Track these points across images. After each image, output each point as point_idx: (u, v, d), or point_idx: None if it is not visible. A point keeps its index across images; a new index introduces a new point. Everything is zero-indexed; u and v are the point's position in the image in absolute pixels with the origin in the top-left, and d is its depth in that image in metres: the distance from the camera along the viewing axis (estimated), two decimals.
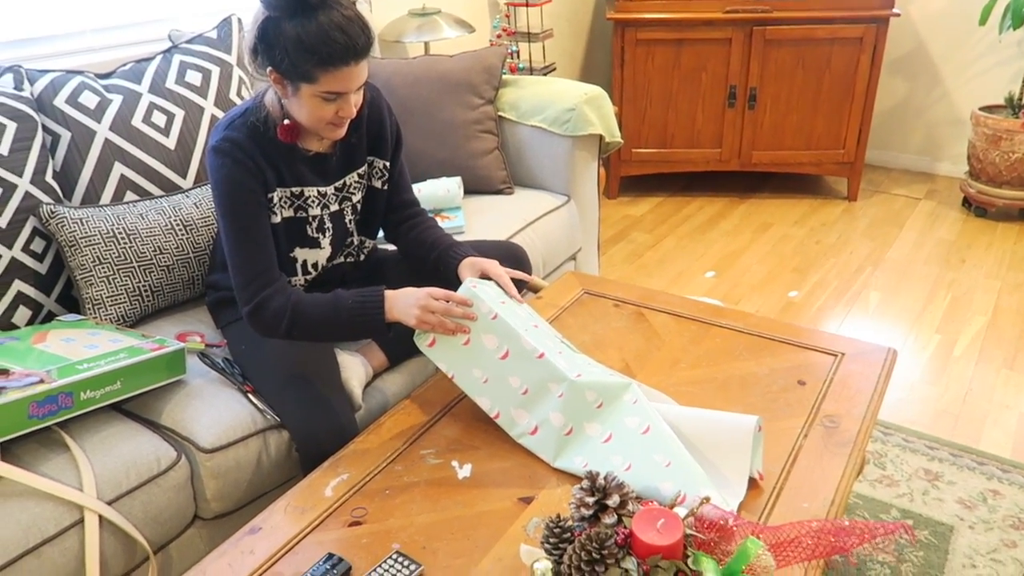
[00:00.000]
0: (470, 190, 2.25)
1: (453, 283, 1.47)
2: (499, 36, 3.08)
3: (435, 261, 1.56)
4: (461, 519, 1.15)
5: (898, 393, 2.20)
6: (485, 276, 1.47)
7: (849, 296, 2.71)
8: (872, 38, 3.11)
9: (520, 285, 1.71)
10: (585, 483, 1.04)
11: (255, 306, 1.36)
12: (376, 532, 1.12)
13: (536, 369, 1.28)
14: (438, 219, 2.04)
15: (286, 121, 1.39)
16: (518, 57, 3.12)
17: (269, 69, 1.31)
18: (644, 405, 1.24)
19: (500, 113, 2.29)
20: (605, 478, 1.03)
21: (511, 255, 1.69)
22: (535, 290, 1.83)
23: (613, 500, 1.02)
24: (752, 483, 1.18)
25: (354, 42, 1.26)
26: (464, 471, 1.24)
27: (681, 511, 1.01)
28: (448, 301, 1.33)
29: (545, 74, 3.17)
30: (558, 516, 1.02)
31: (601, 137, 2.28)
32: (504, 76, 2.33)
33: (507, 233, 2.04)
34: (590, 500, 1.02)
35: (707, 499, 1.05)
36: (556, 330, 1.50)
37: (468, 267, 1.50)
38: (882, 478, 1.88)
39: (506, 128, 2.30)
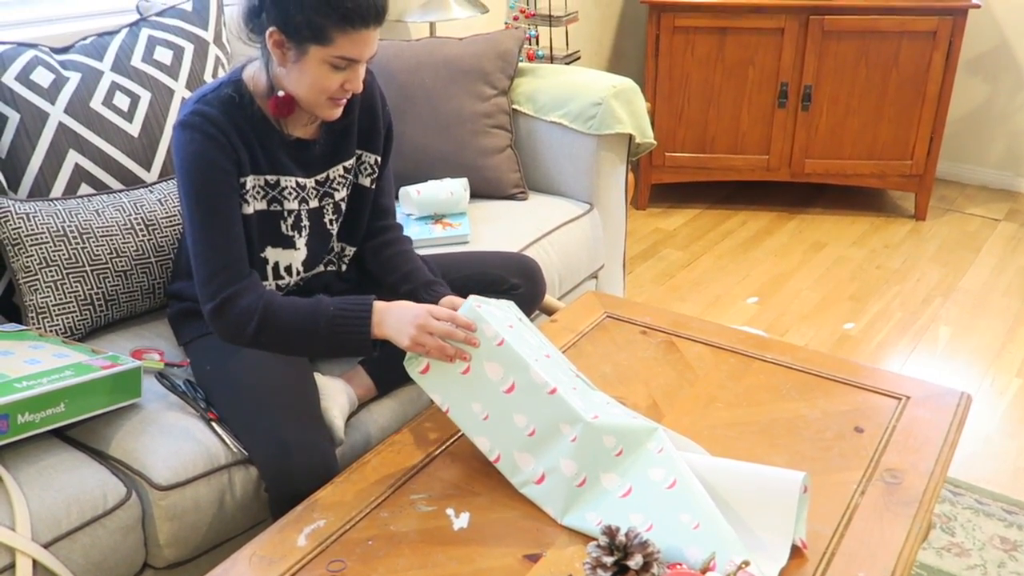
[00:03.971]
0: (477, 193, 2.25)
1: None
2: (516, 18, 3.10)
3: (406, 295, 1.54)
4: None
5: (971, 446, 2.17)
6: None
7: (915, 330, 2.69)
8: (947, 32, 3.11)
9: (531, 307, 1.70)
10: (603, 540, 1.03)
11: (220, 302, 1.35)
12: None
13: (546, 407, 1.27)
14: (439, 226, 2.04)
15: (281, 92, 1.40)
16: (537, 43, 3.13)
17: (272, 30, 1.32)
18: (671, 454, 1.23)
19: (515, 106, 2.30)
20: (626, 535, 1.02)
21: (523, 270, 1.69)
22: (549, 312, 1.83)
23: (635, 561, 1.00)
24: (795, 551, 1.16)
25: (377, 3, 1.30)
26: (461, 521, 1.23)
27: None
28: (451, 323, 1.32)
29: (568, 63, 3.19)
30: None
31: (631, 137, 2.28)
32: (521, 64, 2.34)
33: (519, 245, 2.03)
34: (608, 560, 1.01)
35: (746, 563, 1.03)
36: (571, 361, 1.49)
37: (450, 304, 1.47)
38: (951, 545, 1.86)
39: (521, 123, 2.31)
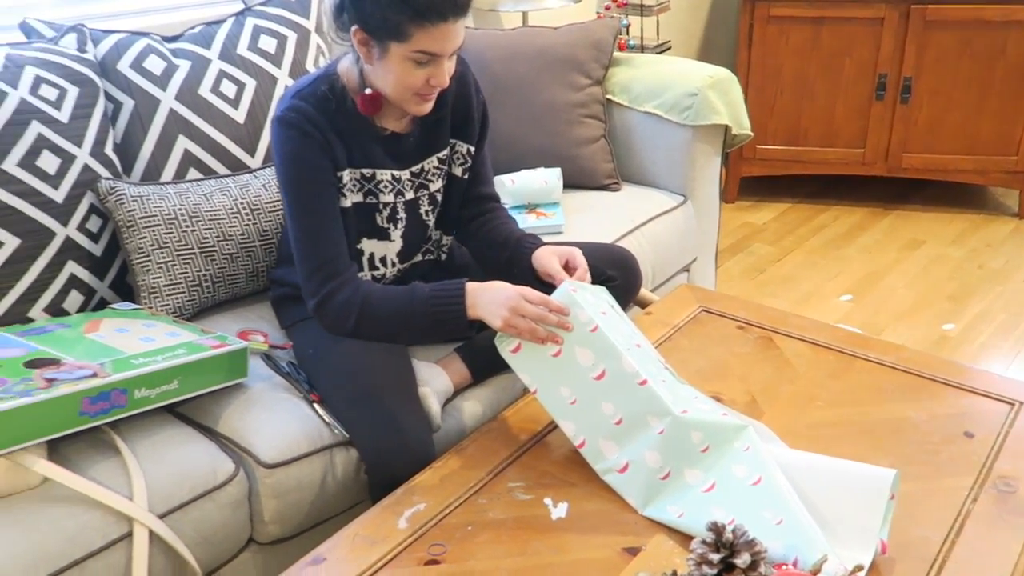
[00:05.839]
0: (570, 184, 2.25)
1: (527, 283, 1.45)
2: (607, 7, 3.07)
3: (507, 262, 1.55)
4: (554, 567, 1.14)
5: None
6: (567, 267, 1.45)
7: (1020, 333, 2.59)
8: None
9: (626, 299, 1.69)
10: (709, 536, 1.02)
11: (321, 298, 1.38)
12: (454, 574, 1.13)
13: (635, 397, 1.27)
14: (533, 215, 2.04)
15: (368, 90, 1.41)
16: (628, 32, 3.10)
17: (355, 28, 1.33)
18: (758, 453, 1.22)
19: (609, 96, 2.28)
20: (733, 532, 1.01)
21: (619, 262, 1.67)
22: (642, 305, 1.82)
23: (743, 559, 0.99)
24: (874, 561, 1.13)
25: None
26: (559, 511, 1.23)
27: None
28: (543, 306, 1.32)
29: (658, 53, 3.15)
30: (673, 573, 1.00)
31: (727, 129, 2.25)
32: (615, 54, 2.32)
33: (612, 236, 2.02)
34: (714, 557, 1.00)
35: (825, 558, 1.01)
36: (664, 355, 1.47)
37: (548, 254, 1.47)
38: None
39: (615, 113, 2.30)
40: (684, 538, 1.17)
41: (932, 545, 1.15)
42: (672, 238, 2.16)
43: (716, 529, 1.01)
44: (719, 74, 2.21)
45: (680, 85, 2.19)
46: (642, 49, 3.09)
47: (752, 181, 3.61)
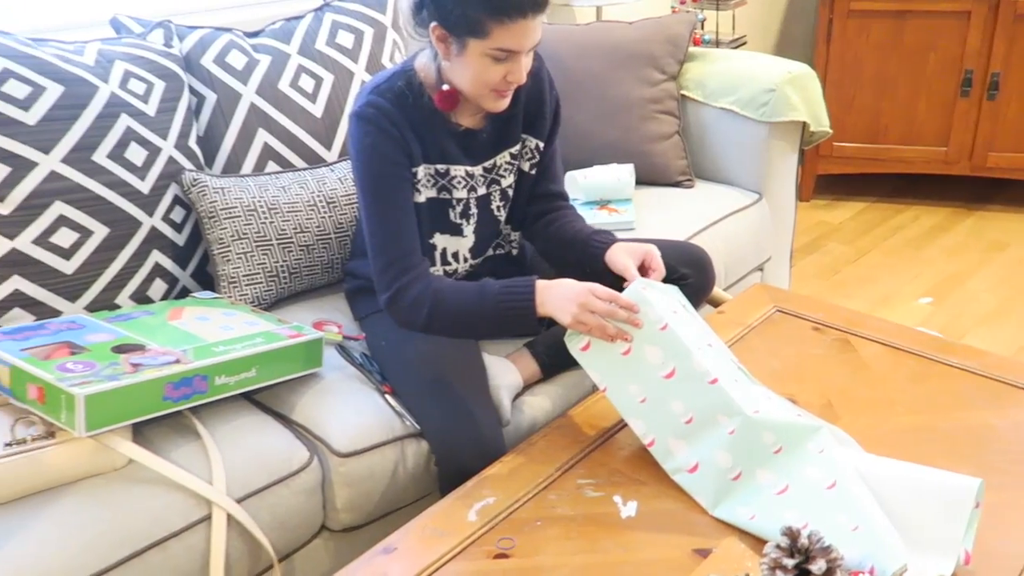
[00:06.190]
0: (643, 180, 2.23)
1: (599, 281, 1.44)
2: (683, 1, 3.04)
3: (577, 261, 1.55)
4: (623, 566, 1.13)
5: None
6: (642, 268, 1.44)
7: None
8: None
9: (699, 298, 1.67)
10: (783, 540, 1.00)
11: (394, 293, 1.40)
12: (524, 569, 1.13)
13: (706, 396, 1.25)
14: (605, 212, 2.03)
15: (445, 87, 1.42)
16: (702, 27, 3.07)
17: (434, 24, 1.34)
18: (833, 455, 1.19)
19: (683, 91, 2.26)
20: (809, 537, 0.99)
21: (692, 260, 1.65)
22: (715, 304, 1.79)
23: (818, 566, 0.97)
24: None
25: None
26: (628, 509, 1.23)
27: None
28: (612, 303, 1.31)
29: (734, 48, 3.10)
30: None
31: (804, 126, 2.20)
32: (689, 49, 2.29)
33: (685, 233, 2.00)
34: (789, 563, 0.98)
35: (904, 569, 0.98)
36: (737, 355, 1.45)
37: (622, 252, 1.46)
38: None
39: (689, 109, 2.27)
40: (756, 541, 1.16)
41: (1017, 559, 1.11)
42: (746, 236, 2.13)
43: (791, 533, 1.00)
44: (798, 70, 2.17)
45: (757, 81, 2.15)
46: (717, 44, 3.04)
47: (828, 179, 3.54)
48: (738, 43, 3.15)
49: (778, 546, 1.00)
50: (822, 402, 1.43)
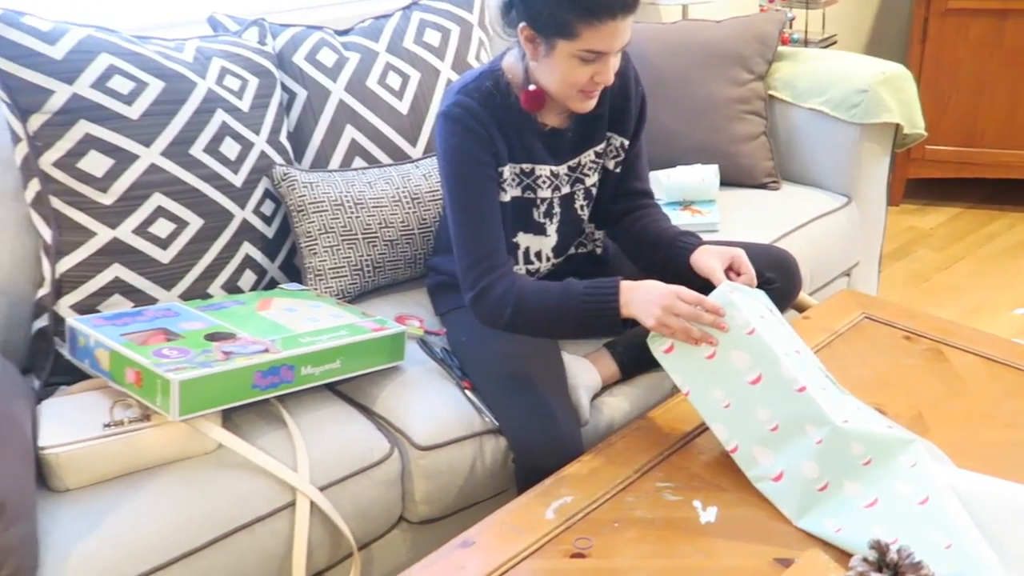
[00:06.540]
0: (727, 181, 2.20)
1: (683, 283, 1.43)
2: (771, 0, 2.98)
3: (662, 261, 1.53)
4: (702, 571, 1.12)
5: None
6: (730, 271, 1.42)
7: None
8: None
9: (785, 303, 1.64)
10: (871, 554, 0.98)
11: (478, 292, 1.40)
12: (600, 570, 1.12)
13: (793, 404, 1.22)
14: (688, 213, 2.01)
15: (532, 87, 1.42)
16: (791, 26, 3.00)
17: (522, 25, 1.35)
18: (926, 470, 1.15)
19: (771, 92, 2.22)
20: (899, 552, 0.96)
21: (778, 264, 1.62)
22: (800, 309, 1.75)
23: None
24: None
25: None
26: (708, 514, 1.21)
27: None
28: (698, 306, 1.29)
29: (823, 47, 3.03)
30: None
31: (898, 128, 2.14)
32: (778, 48, 2.25)
33: (770, 236, 1.97)
34: None
35: None
36: (823, 362, 1.42)
37: (709, 255, 1.44)
38: None
39: (777, 110, 2.23)
40: (840, 554, 1.13)
41: None
42: (833, 241, 2.09)
43: (879, 548, 0.97)
44: (892, 70, 2.11)
45: (849, 81, 2.10)
46: (806, 43, 2.98)
47: (919, 183, 3.43)
48: (828, 42, 3.07)
49: (865, 560, 0.98)
50: (912, 414, 1.39)
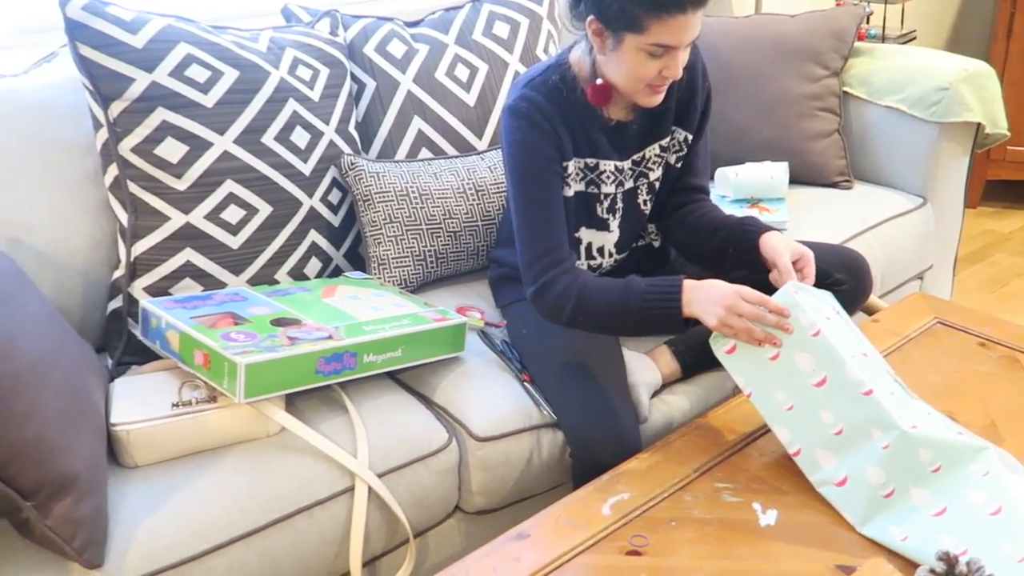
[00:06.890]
0: (798, 179, 2.16)
1: (739, 266, 1.41)
2: None
3: (721, 244, 1.51)
4: (760, 575, 1.10)
5: None
6: (796, 264, 1.39)
7: None
8: None
9: (854, 306, 1.60)
10: (939, 565, 0.95)
11: (540, 286, 1.40)
12: (656, 568, 1.11)
13: (858, 407, 1.19)
14: (756, 211, 1.98)
15: (599, 81, 1.41)
16: (868, 21, 2.92)
17: (590, 19, 1.34)
18: (1000, 479, 1.11)
19: (846, 88, 2.17)
20: (968, 564, 0.93)
21: (849, 265, 1.58)
22: (869, 312, 1.71)
23: None
24: None
25: None
26: (768, 517, 1.19)
27: None
28: (762, 307, 1.27)
29: (902, 43, 2.94)
30: None
31: (979, 127, 2.07)
32: (854, 44, 2.19)
33: (840, 237, 1.93)
34: None
35: None
36: (892, 366, 1.38)
37: (779, 239, 1.41)
38: None
39: (851, 107, 2.18)
40: (906, 563, 1.10)
41: None
42: (907, 242, 2.03)
43: (948, 559, 0.94)
44: (975, 67, 2.04)
45: (928, 78, 2.04)
46: (883, 39, 2.90)
47: (999, 185, 3.31)
48: (907, 38, 2.98)
49: (932, 571, 0.95)
50: (985, 422, 1.35)
